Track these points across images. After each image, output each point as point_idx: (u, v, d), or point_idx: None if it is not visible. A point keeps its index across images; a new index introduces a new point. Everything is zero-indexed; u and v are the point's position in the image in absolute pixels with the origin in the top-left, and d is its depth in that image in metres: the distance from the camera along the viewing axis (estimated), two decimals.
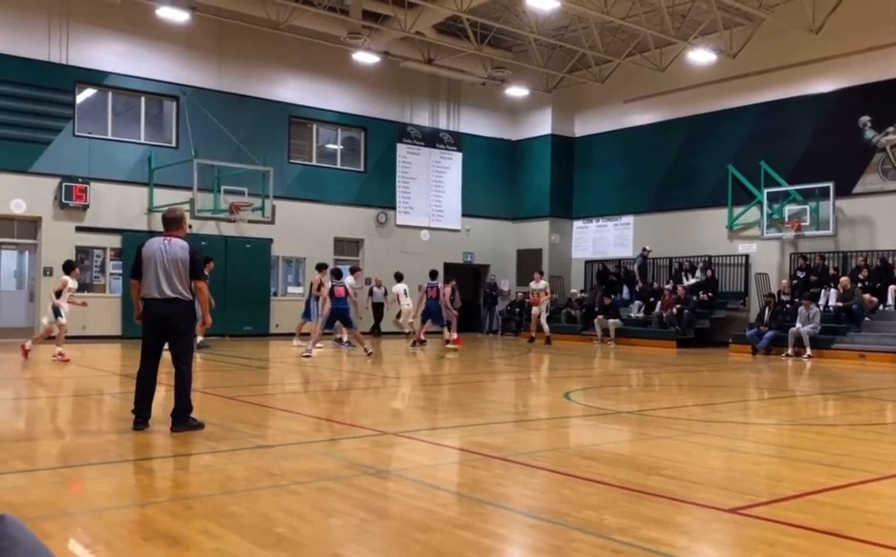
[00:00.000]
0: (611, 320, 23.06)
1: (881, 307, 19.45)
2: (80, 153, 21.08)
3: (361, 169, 26.32)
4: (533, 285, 22.97)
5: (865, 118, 20.89)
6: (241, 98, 23.43)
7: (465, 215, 28.14)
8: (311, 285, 19.30)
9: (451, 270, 26.39)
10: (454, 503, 5.20)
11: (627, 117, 26.72)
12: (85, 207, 20.99)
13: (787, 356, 18.73)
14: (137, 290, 7.45)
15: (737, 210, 23.57)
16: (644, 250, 25.02)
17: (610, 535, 4.28)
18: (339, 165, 26.09)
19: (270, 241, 23.73)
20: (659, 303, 23.23)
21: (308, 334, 17.52)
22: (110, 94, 22.00)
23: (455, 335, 20.72)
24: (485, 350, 20.95)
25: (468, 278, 28.32)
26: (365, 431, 7.86)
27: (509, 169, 29.00)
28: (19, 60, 20.18)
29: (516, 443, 7.35)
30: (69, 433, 7.95)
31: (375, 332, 24.03)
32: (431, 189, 27.54)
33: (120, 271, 21.36)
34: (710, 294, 23.04)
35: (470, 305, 27.51)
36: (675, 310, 22.28)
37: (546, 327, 22.16)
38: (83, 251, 21.11)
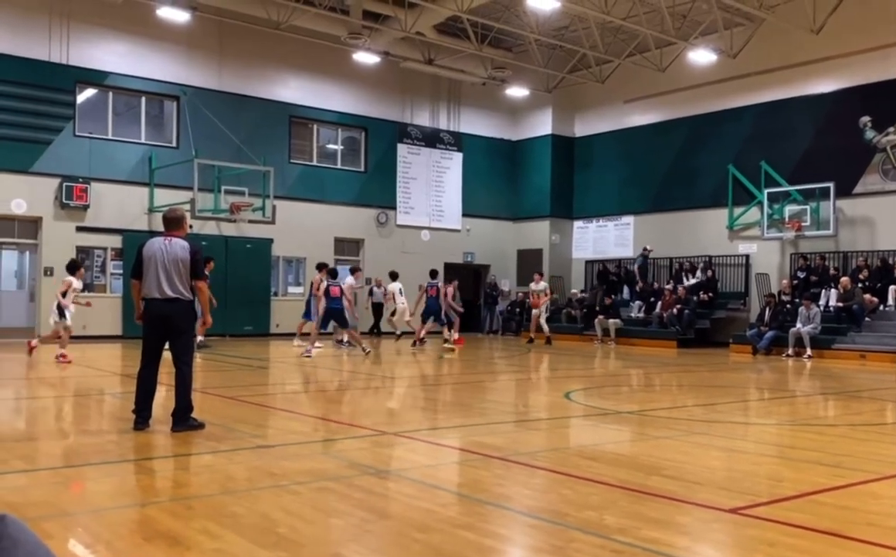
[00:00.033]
0: (611, 321, 23.06)
1: (881, 308, 19.45)
2: (80, 153, 21.08)
3: (362, 169, 26.32)
4: (533, 286, 22.96)
5: (866, 118, 20.89)
6: (241, 98, 23.43)
7: (465, 215, 28.15)
8: (312, 284, 19.31)
9: (452, 270, 26.38)
10: (454, 503, 5.20)
11: (628, 117, 26.72)
12: (85, 208, 20.99)
13: (788, 356, 18.72)
14: (138, 290, 7.45)
15: (737, 210, 23.57)
16: (645, 249, 25.02)
17: (610, 535, 4.28)
18: (339, 166, 26.09)
19: (271, 241, 23.74)
20: (659, 303, 23.23)
21: (309, 334, 17.52)
22: (111, 94, 22.01)
23: (456, 335, 20.72)
24: (485, 350, 20.94)
25: (468, 279, 28.31)
26: (365, 431, 7.86)
27: (510, 169, 29.01)
28: (20, 60, 20.19)
29: (517, 443, 7.35)
30: (70, 433, 7.95)
31: (375, 332, 24.04)
32: (432, 189, 27.54)
33: (120, 271, 21.37)
34: (710, 294, 23.04)
35: (470, 305, 27.51)
36: (675, 310, 22.28)
37: (546, 327, 22.15)
38: (84, 251, 21.09)
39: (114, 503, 5.04)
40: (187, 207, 18.59)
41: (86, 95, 21.72)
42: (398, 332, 22.05)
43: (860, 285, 19.86)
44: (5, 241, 20.92)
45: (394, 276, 21.59)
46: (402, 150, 26.87)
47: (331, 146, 26.32)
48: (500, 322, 27.96)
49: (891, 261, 20.16)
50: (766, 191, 22.44)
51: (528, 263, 27.65)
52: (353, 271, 20.65)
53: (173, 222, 7.61)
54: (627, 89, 26.27)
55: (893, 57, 20.35)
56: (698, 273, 23.78)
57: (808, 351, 18.44)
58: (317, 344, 16.99)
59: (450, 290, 21.63)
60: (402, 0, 21.93)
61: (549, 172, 28.09)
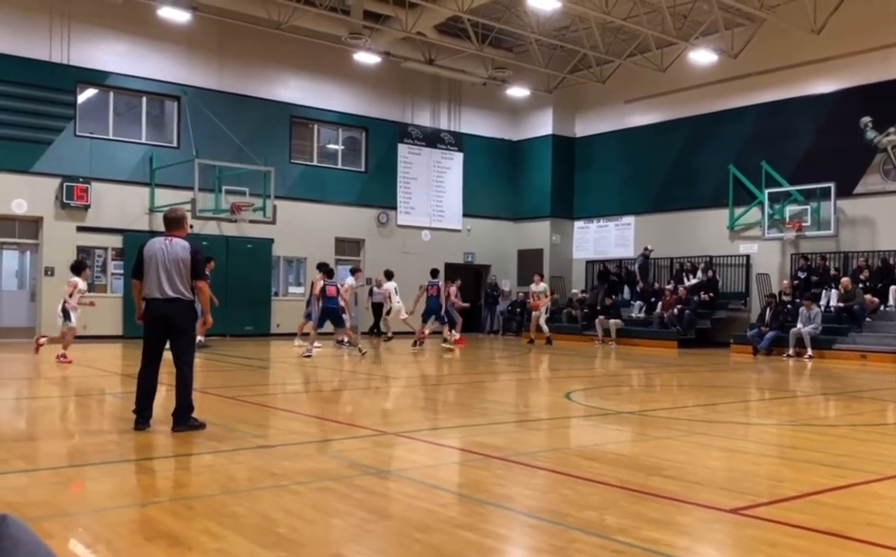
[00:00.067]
0: (612, 321, 23.06)
1: (882, 308, 19.44)
2: (81, 153, 21.09)
3: (362, 169, 26.33)
4: (533, 287, 22.94)
5: (867, 119, 20.88)
6: (242, 98, 23.44)
7: (465, 215, 28.15)
8: (312, 284, 19.30)
9: (452, 270, 26.38)
10: (455, 503, 5.20)
11: (628, 118, 26.72)
12: (86, 207, 21.00)
13: (788, 356, 18.72)
14: (139, 290, 7.45)
15: (738, 210, 23.56)
16: (646, 249, 25.00)
17: (611, 535, 4.28)
18: (340, 166, 26.10)
19: (271, 241, 23.74)
20: (660, 303, 23.23)
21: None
22: (111, 94, 22.01)
23: (457, 335, 20.72)
24: (486, 350, 20.94)
25: (469, 279, 28.31)
26: (366, 431, 7.86)
27: (510, 169, 29.01)
28: (21, 60, 20.20)
29: (517, 443, 7.35)
30: (71, 432, 7.95)
31: (375, 332, 24.04)
32: (432, 189, 27.55)
33: (121, 271, 21.38)
34: (711, 295, 23.03)
35: (471, 305, 27.49)
36: (676, 310, 22.28)
37: (545, 328, 22.11)
38: (84, 251, 21.08)
39: (114, 503, 5.04)
40: (188, 207, 18.60)
41: (86, 94, 21.73)
42: (389, 333, 21.93)
43: (861, 285, 19.85)
44: (6, 241, 20.92)
45: (389, 275, 21.52)
46: (402, 150, 26.87)
47: (331, 146, 26.32)
48: (501, 322, 27.96)
49: (891, 261, 20.15)
50: (766, 191, 22.44)
51: (529, 263, 27.65)
52: (354, 271, 20.67)
53: (174, 222, 7.62)
54: (628, 89, 26.27)
55: (894, 57, 20.34)
56: (699, 273, 23.78)
57: (809, 351, 18.44)
58: (315, 344, 17.00)
59: (452, 290, 21.64)
60: (403, 0, 21.93)
61: (549, 172, 28.09)
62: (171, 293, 7.27)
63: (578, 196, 28.31)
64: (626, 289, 25.63)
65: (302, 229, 24.04)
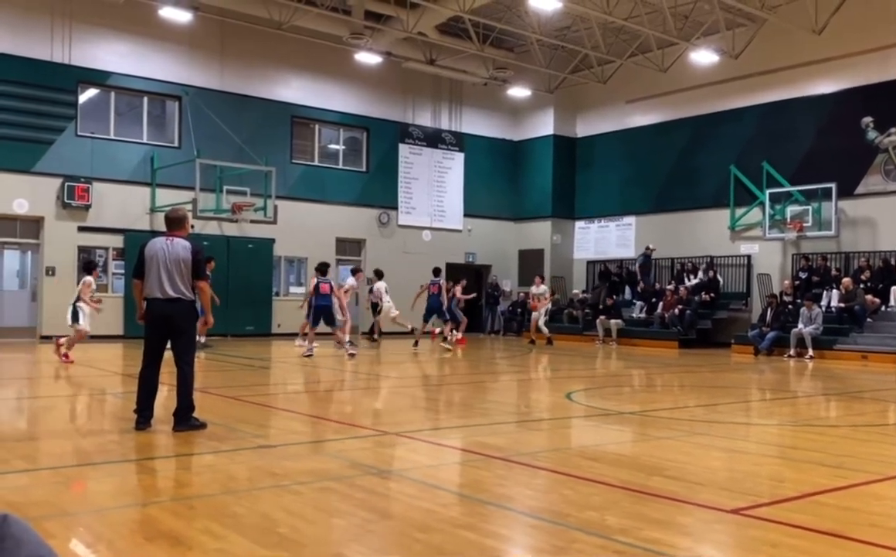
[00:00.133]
0: (613, 321, 23.06)
1: (883, 308, 19.43)
2: (82, 153, 21.10)
3: (363, 169, 26.33)
4: (533, 289, 22.94)
5: (868, 119, 20.87)
6: (243, 98, 23.45)
7: (466, 215, 28.15)
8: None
9: (453, 270, 26.38)
10: (456, 503, 5.20)
11: (629, 118, 26.71)
12: (87, 207, 21.01)
13: (789, 356, 18.71)
14: (140, 290, 7.45)
15: (739, 211, 23.55)
16: (647, 248, 24.98)
17: (612, 536, 4.28)
18: (341, 166, 26.10)
19: (272, 241, 23.75)
20: (661, 304, 23.22)
21: (320, 334, 17.51)
22: (113, 94, 22.02)
23: (459, 335, 20.72)
24: (486, 350, 20.95)
25: (470, 279, 28.27)
26: (366, 431, 7.86)
27: (511, 169, 29.00)
28: (22, 60, 20.20)
29: (518, 443, 7.35)
30: (71, 432, 7.96)
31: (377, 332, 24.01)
32: (433, 189, 27.55)
33: (122, 271, 21.39)
34: (712, 295, 23.03)
35: (472, 305, 27.50)
36: (677, 311, 22.27)
37: (545, 329, 22.09)
38: (85, 251, 21.09)
39: (115, 502, 5.05)
40: (189, 207, 18.62)
41: (88, 94, 21.74)
42: (376, 337, 21.83)
43: (862, 285, 19.84)
44: (7, 241, 20.94)
45: (379, 274, 21.48)
46: (403, 150, 26.87)
47: (332, 146, 26.33)
48: (502, 322, 27.96)
49: (893, 262, 20.13)
50: (767, 191, 22.43)
51: (530, 263, 27.65)
52: (355, 271, 20.67)
53: (175, 222, 7.62)
54: (629, 90, 26.26)
55: (895, 57, 20.33)
56: (700, 274, 23.78)
57: (810, 352, 18.43)
58: (302, 341, 16.96)
59: (458, 290, 21.65)
60: (404, 0, 21.94)
61: (550, 172, 28.08)
62: (172, 293, 7.28)
63: (579, 196, 28.31)
64: (627, 289, 25.63)
65: (303, 229, 24.05)
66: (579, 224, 28.39)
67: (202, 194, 20.75)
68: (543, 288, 22.90)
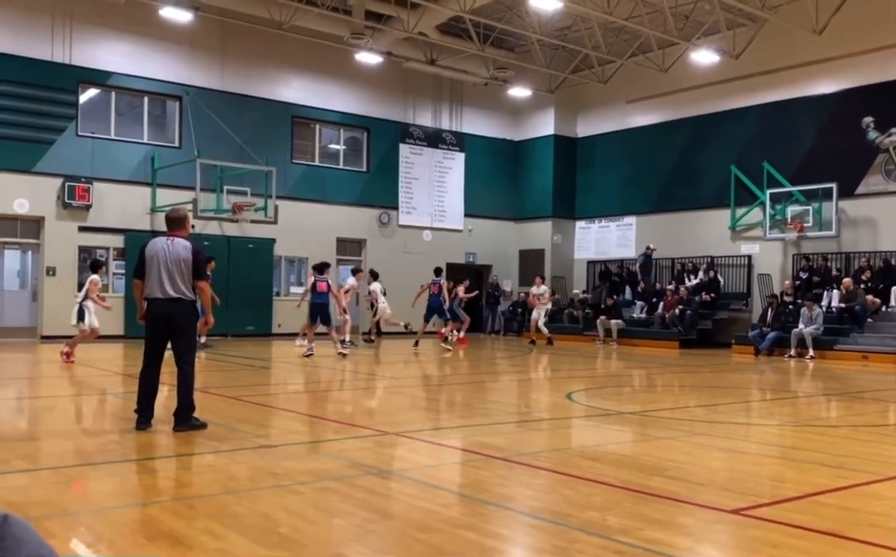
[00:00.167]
0: (613, 321, 23.06)
1: (884, 309, 19.42)
2: (83, 153, 21.10)
3: (364, 169, 26.33)
4: (534, 290, 22.95)
5: (868, 119, 20.87)
6: (244, 98, 23.45)
7: (467, 215, 28.15)
8: None
9: (454, 270, 26.36)
10: (456, 503, 5.20)
11: (630, 118, 26.71)
12: (88, 207, 21.01)
13: (790, 357, 18.70)
14: (141, 290, 7.45)
15: (739, 211, 23.54)
16: (648, 247, 24.98)
17: (612, 536, 4.28)
18: (341, 166, 26.10)
19: (273, 241, 23.75)
20: (661, 304, 23.22)
21: (319, 334, 17.52)
22: (113, 94, 22.02)
23: (461, 334, 20.70)
24: (487, 350, 20.95)
25: (471, 279, 28.27)
26: (367, 431, 7.86)
27: (512, 169, 29.00)
28: (23, 60, 20.21)
29: (518, 444, 7.35)
30: (72, 432, 7.96)
31: (377, 332, 24.00)
32: (434, 189, 27.55)
33: (123, 271, 21.39)
34: (712, 295, 23.02)
35: (472, 305, 27.51)
36: (677, 311, 22.27)
37: (545, 330, 22.09)
38: (86, 251, 21.12)
39: (116, 502, 5.05)
40: (190, 207, 18.63)
41: (88, 94, 21.74)
42: (373, 335, 21.82)
43: (862, 285, 19.83)
44: (8, 240, 20.94)
45: (374, 275, 21.46)
46: (404, 150, 26.87)
47: (333, 146, 26.33)
48: (502, 323, 27.96)
49: (893, 262, 20.12)
50: (768, 191, 22.42)
51: (531, 263, 27.65)
52: (355, 271, 20.67)
53: (176, 222, 7.63)
54: (630, 90, 26.26)
55: (895, 58, 20.35)
56: (700, 274, 23.77)
57: (811, 352, 18.42)
58: (302, 341, 16.95)
59: (460, 290, 21.65)
60: (405, 0, 21.94)
61: (551, 172, 28.08)
62: (172, 293, 7.28)
63: (580, 196, 28.30)
64: (628, 289, 25.62)
65: (303, 229, 24.05)
66: (580, 224, 28.39)
67: (203, 194, 20.75)
68: (544, 288, 22.91)
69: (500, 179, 28.71)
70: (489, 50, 24.65)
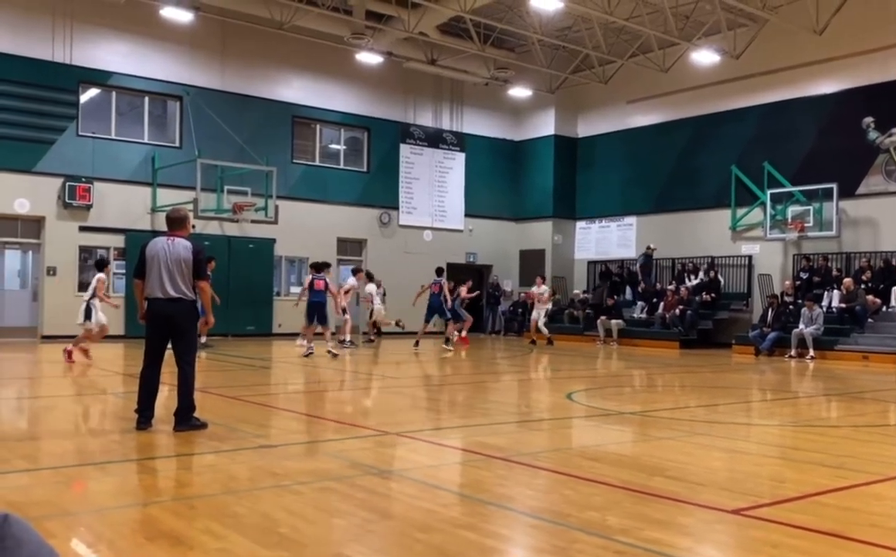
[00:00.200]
0: (614, 321, 23.05)
1: (884, 309, 19.41)
2: (83, 153, 21.11)
3: (364, 169, 26.33)
4: (535, 289, 22.95)
5: (869, 119, 20.86)
6: (244, 98, 23.45)
7: (467, 215, 28.15)
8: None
9: (454, 270, 26.36)
10: (456, 503, 5.20)
11: (631, 118, 26.71)
12: (88, 207, 21.01)
13: (790, 357, 18.69)
14: (141, 289, 7.46)
15: (740, 211, 23.54)
16: (648, 247, 24.97)
17: (613, 536, 4.28)
18: (342, 166, 26.10)
19: (273, 241, 23.75)
20: (662, 304, 23.21)
21: (318, 334, 17.55)
22: (114, 94, 22.03)
23: (464, 333, 20.67)
24: (487, 351, 20.95)
25: (471, 279, 28.29)
26: (367, 431, 7.86)
27: (512, 169, 29.00)
28: (23, 60, 20.21)
29: (519, 444, 7.35)
30: (72, 432, 7.96)
31: (376, 331, 24.00)
32: (434, 189, 27.55)
33: (123, 271, 21.39)
34: (713, 295, 23.01)
35: (473, 305, 27.51)
36: (677, 311, 22.26)
37: (545, 330, 22.08)
38: (87, 251, 21.14)
39: (116, 502, 5.05)
40: (190, 207, 18.64)
41: (89, 94, 21.75)
42: (372, 335, 21.82)
43: (863, 286, 19.83)
44: (8, 240, 20.95)
45: (369, 276, 21.48)
46: (404, 150, 26.87)
47: (333, 146, 26.33)
48: (503, 323, 27.96)
49: (894, 262, 20.12)
50: (769, 192, 22.41)
51: (531, 263, 27.64)
52: (355, 271, 20.67)
53: (176, 222, 7.63)
54: (630, 90, 26.26)
55: None
56: (701, 274, 23.77)
57: (811, 352, 18.41)
58: (303, 341, 16.96)
59: (463, 290, 21.65)
60: (405, 0, 21.94)
61: (551, 172, 28.08)
62: (173, 293, 7.28)
63: (580, 196, 28.30)
64: (628, 289, 25.62)
65: (304, 229, 24.05)
66: (580, 224, 28.39)
67: (203, 194, 20.76)
68: (544, 288, 22.91)
69: (500, 179, 28.71)
70: (490, 50, 24.65)
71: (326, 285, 16.63)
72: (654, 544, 4.14)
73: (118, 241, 21.56)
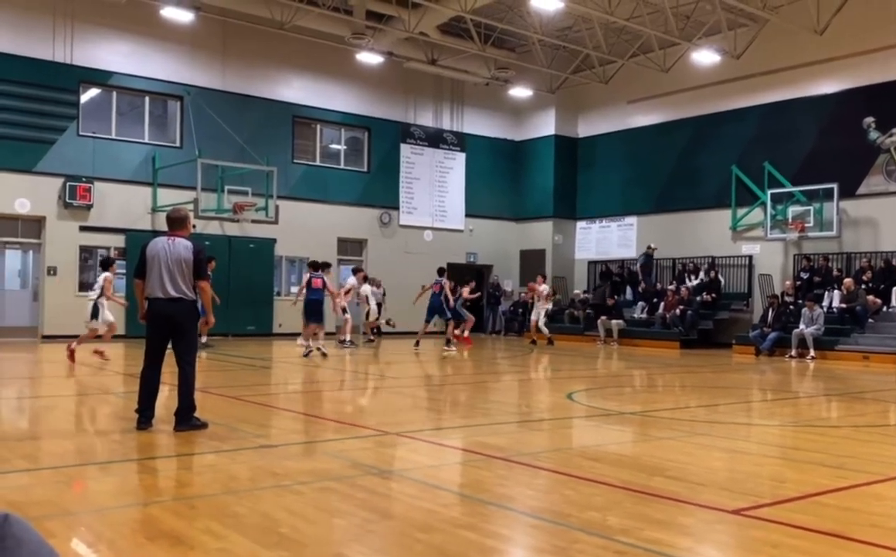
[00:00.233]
0: (614, 321, 23.05)
1: (885, 309, 19.41)
2: (84, 153, 21.11)
3: (365, 169, 26.33)
4: (536, 284, 22.94)
5: (870, 119, 20.86)
6: (244, 98, 23.45)
7: (468, 215, 28.15)
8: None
9: (455, 270, 26.36)
10: (457, 503, 5.20)
11: (631, 118, 26.70)
12: (89, 207, 21.01)
13: (791, 357, 18.69)
14: (141, 289, 7.46)
15: (740, 211, 23.53)
16: (649, 247, 24.97)
17: (613, 536, 4.28)
18: (342, 166, 26.10)
19: (274, 241, 23.75)
20: (662, 304, 23.21)
21: (316, 334, 17.55)
22: (114, 93, 22.03)
23: (466, 333, 20.67)
24: (488, 351, 20.94)
25: (471, 279, 28.29)
26: (368, 431, 7.86)
27: (513, 169, 29.00)
28: (24, 60, 20.22)
29: (519, 444, 7.35)
30: (73, 432, 7.97)
31: (375, 332, 24.00)
32: (435, 189, 27.55)
33: (124, 271, 21.37)
34: (713, 295, 23.01)
35: (474, 305, 27.51)
36: (678, 311, 22.26)
37: (545, 330, 22.08)
38: (87, 251, 21.16)
39: (116, 502, 5.05)
40: (191, 206, 18.64)
41: (89, 94, 21.75)
42: (371, 335, 21.83)
43: (863, 286, 19.82)
44: (9, 240, 20.96)
45: (365, 277, 21.47)
46: (405, 150, 26.88)
47: (334, 146, 26.33)
48: (503, 323, 27.96)
49: (894, 262, 20.11)
50: (769, 192, 22.41)
51: (531, 263, 27.64)
52: (356, 271, 20.67)
53: (177, 222, 7.63)
54: (631, 90, 26.25)
55: None
56: (701, 274, 23.76)
57: (811, 352, 18.41)
58: (304, 341, 16.97)
59: (465, 290, 21.65)
60: (406, 0, 21.94)
61: (552, 172, 28.08)
62: (173, 293, 7.28)
63: (581, 196, 28.30)
64: (629, 289, 25.62)
65: (304, 229, 24.05)
66: (581, 224, 28.39)
67: (204, 194, 20.76)
68: (545, 287, 22.90)
69: (500, 179, 28.71)
70: (490, 50, 24.65)
71: (324, 283, 16.65)
72: (655, 544, 4.14)
73: (118, 241, 21.56)
